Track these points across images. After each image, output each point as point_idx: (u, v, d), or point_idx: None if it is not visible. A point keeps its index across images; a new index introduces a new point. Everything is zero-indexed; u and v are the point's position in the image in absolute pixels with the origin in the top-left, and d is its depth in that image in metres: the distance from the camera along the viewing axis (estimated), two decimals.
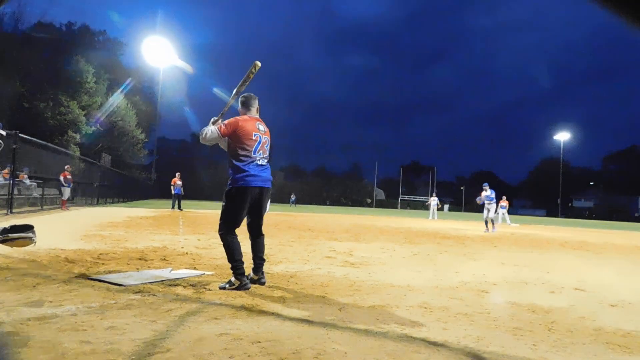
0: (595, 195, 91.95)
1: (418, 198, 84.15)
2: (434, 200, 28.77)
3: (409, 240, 10.36)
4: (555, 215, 72.31)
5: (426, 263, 6.51)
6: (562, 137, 78.23)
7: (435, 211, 28.77)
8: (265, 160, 4.29)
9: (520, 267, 6.51)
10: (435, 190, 34.67)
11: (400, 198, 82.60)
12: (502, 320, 3.36)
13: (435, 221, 24.87)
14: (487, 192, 15.77)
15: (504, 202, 23.18)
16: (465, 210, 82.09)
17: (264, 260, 4.40)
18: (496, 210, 16.14)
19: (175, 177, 21.05)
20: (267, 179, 4.30)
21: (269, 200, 4.55)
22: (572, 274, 6.16)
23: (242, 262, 4.14)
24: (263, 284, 4.30)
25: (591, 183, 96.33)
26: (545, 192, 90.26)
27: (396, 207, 79.51)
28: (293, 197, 52.28)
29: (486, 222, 15.79)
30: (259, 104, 4.47)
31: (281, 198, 65.96)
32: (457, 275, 5.49)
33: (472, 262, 6.91)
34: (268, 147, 4.35)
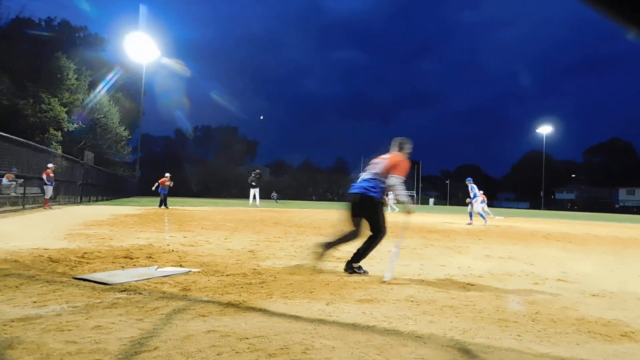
0: (577, 188, 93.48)
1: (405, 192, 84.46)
2: (390, 194, 28.87)
3: (395, 235, 10.41)
4: (538, 208, 73.34)
5: (412, 257, 6.56)
6: (544, 130, 79.25)
7: (393, 205, 28.95)
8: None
9: (505, 260, 6.60)
10: (421, 184, 34.86)
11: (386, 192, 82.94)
12: (487, 312, 3.41)
13: (398, 214, 25.00)
14: (475, 190, 15.94)
15: (482, 197, 23.69)
16: (451, 204, 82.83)
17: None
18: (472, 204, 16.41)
19: (164, 177, 20.71)
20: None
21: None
22: (555, 265, 6.26)
23: None
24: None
25: (573, 175, 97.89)
26: (528, 185, 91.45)
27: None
28: (274, 195, 52.05)
29: (474, 215, 16.11)
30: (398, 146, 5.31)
31: (267, 194, 65.87)
32: (443, 269, 5.55)
33: (458, 255, 6.98)
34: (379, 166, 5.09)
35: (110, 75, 38.40)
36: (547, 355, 2.48)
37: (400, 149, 5.24)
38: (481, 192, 22.50)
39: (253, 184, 23.80)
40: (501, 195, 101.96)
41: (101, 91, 37.83)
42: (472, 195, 15.92)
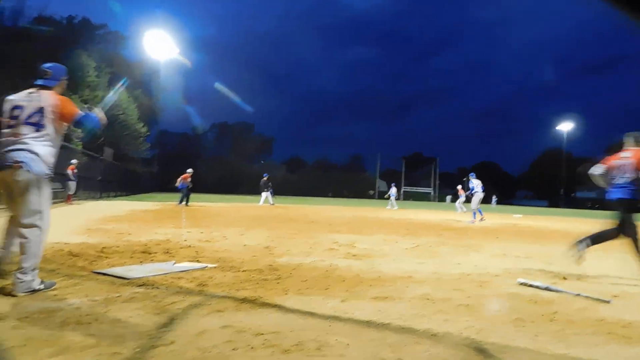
0: (599, 186, 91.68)
1: (421, 189, 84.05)
2: (393, 189, 28.80)
3: (411, 232, 10.37)
4: (558, 206, 72.21)
5: (428, 255, 6.52)
6: (565, 127, 77.87)
7: (394, 201, 28.78)
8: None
9: (522, 259, 6.53)
10: (438, 181, 34.81)
11: (402, 190, 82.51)
12: (503, 312, 3.38)
13: (435, 212, 24.85)
14: (475, 184, 15.87)
15: (461, 192, 24.36)
16: (468, 202, 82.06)
17: None
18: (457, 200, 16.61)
19: (186, 173, 20.47)
20: None
21: None
22: (574, 265, 6.16)
23: None
24: None
25: None
26: (547, 183, 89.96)
27: (398, 199, 79.52)
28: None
29: (476, 212, 16.10)
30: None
31: (283, 191, 66.08)
32: (459, 267, 5.51)
33: (473, 253, 6.92)
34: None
35: (126, 76, 38.60)
36: (564, 357, 2.45)
37: (637, 142, 5.43)
38: (459, 186, 22.76)
39: (265, 189, 24.37)
40: (519, 193, 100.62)
41: (112, 95, 38.19)
42: (470, 189, 16.02)
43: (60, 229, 7.82)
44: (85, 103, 33.35)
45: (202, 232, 8.28)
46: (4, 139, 3.50)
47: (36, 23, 36.15)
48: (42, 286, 3.41)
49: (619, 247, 5.47)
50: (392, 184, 30.08)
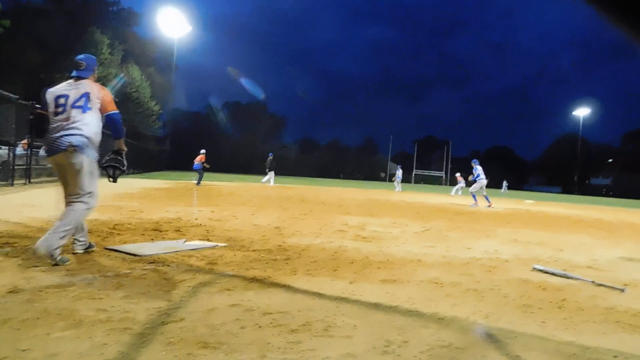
0: (614, 173, 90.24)
1: (433, 173, 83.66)
2: (399, 171, 28.64)
3: (421, 216, 10.35)
4: (571, 193, 71.45)
5: (438, 239, 6.51)
6: (582, 112, 76.59)
7: (399, 183, 28.62)
8: None
9: (532, 245, 6.49)
10: (450, 165, 34.57)
11: (414, 173, 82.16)
12: (512, 298, 3.37)
13: (449, 195, 24.76)
14: (480, 171, 15.95)
15: (460, 178, 24.60)
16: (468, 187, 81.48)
17: None
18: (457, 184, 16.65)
19: (201, 154, 20.50)
20: None
21: None
22: (585, 252, 6.12)
23: None
24: None
25: (610, 160, 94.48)
26: (561, 169, 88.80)
27: (410, 182, 79.20)
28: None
29: (486, 197, 16.20)
30: None
31: (294, 172, 66.15)
32: (469, 252, 5.50)
33: (484, 238, 6.89)
34: None
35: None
36: (571, 344, 2.44)
37: None
38: (458, 173, 22.80)
39: (269, 169, 24.27)
40: (532, 178, 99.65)
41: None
42: (475, 175, 16.04)
43: None
44: (99, 80, 33.56)
45: (213, 211, 8.35)
46: (56, 124, 3.76)
47: (50, 0, 36.17)
48: (59, 258, 3.52)
49: (630, 236, 5.43)
50: (398, 166, 29.94)
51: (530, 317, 2.90)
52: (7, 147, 12.51)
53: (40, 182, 13.92)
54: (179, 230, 5.69)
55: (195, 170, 20.41)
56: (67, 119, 3.75)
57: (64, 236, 3.58)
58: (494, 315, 2.89)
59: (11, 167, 12.23)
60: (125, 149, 4.33)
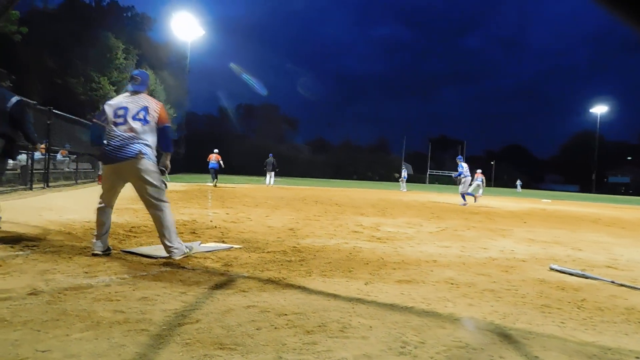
0: (633, 171, 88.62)
1: (447, 173, 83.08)
2: (404, 171, 28.44)
3: (436, 216, 10.29)
4: (589, 191, 70.37)
5: (453, 239, 6.46)
6: (599, 109, 75.39)
7: (405, 183, 28.39)
8: None
9: (550, 244, 6.40)
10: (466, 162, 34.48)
11: (428, 173, 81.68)
12: (529, 298, 3.33)
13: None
14: (465, 168, 15.57)
15: (480, 175, 24.35)
16: (495, 186, 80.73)
17: None
18: (470, 183, 16.35)
19: (213, 153, 20.98)
20: None
21: None
22: (604, 251, 6.02)
23: None
24: None
25: (628, 158, 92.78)
26: (578, 167, 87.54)
27: (424, 182, 78.79)
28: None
29: (462, 196, 15.68)
30: None
31: (307, 173, 66.17)
32: (485, 252, 5.44)
33: (500, 238, 6.82)
34: None
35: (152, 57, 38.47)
36: (591, 344, 2.40)
37: None
38: (479, 170, 22.60)
39: (270, 169, 24.21)
40: (548, 177, 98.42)
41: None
42: (457, 173, 15.64)
43: (90, 208, 8.02)
44: (114, 85, 33.97)
45: (227, 213, 8.39)
46: (118, 134, 4.02)
47: (66, 5, 36.73)
48: (189, 250, 4.26)
49: None
50: (404, 166, 29.78)
51: (549, 317, 2.86)
52: (25, 152, 12.71)
53: (58, 186, 14.14)
54: (194, 232, 5.73)
55: (213, 169, 20.66)
56: (131, 129, 4.02)
57: (173, 235, 4.07)
58: (511, 315, 2.85)
59: (30, 172, 12.42)
60: (169, 166, 4.48)
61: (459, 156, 16.32)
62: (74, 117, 16.39)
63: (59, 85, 31.81)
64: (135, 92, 4.23)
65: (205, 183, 21.42)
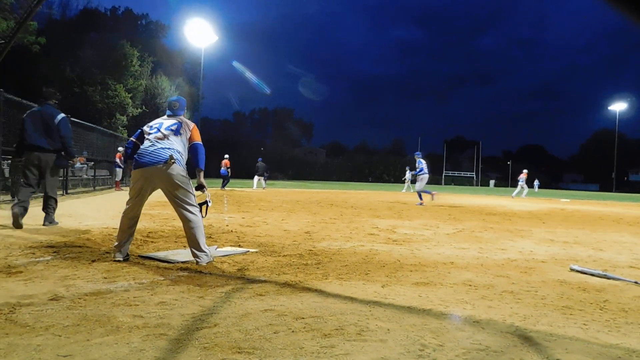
0: None
1: (463, 174, 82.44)
2: (408, 173, 28.13)
3: (453, 217, 10.19)
4: (610, 190, 69.05)
5: (471, 240, 6.39)
6: (618, 107, 73.96)
7: (409, 184, 28.09)
8: None
9: (570, 245, 6.30)
10: (481, 165, 34.14)
11: (444, 174, 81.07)
12: (550, 299, 3.27)
13: (511, 197, 24.30)
14: (424, 165, 14.80)
15: (524, 175, 24.23)
16: (512, 186, 79.78)
17: None
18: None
19: (225, 159, 21.49)
20: None
21: None
22: (627, 251, 5.90)
23: None
24: None
25: None
26: (598, 166, 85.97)
27: (440, 184, 78.19)
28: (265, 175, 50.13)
29: (419, 194, 14.89)
30: None
31: (323, 176, 66.22)
32: (503, 253, 5.37)
33: (519, 239, 6.73)
34: None
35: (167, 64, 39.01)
36: (616, 347, 2.35)
37: None
38: (525, 170, 22.24)
39: (260, 173, 24.30)
40: (567, 176, 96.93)
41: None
42: (417, 170, 14.82)
43: (109, 214, 8.14)
44: (129, 92, 34.46)
45: (243, 217, 8.42)
46: (150, 142, 4.21)
47: (82, 15, 37.42)
48: (214, 252, 4.45)
49: None
50: (408, 167, 29.34)
51: (571, 318, 2.80)
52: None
53: (77, 193, 14.36)
54: (210, 237, 5.76)
55: (223, 176, 21.03)
56: (163, 137, 4.21)
57: (202, 240, 4.12)
58: (531, 317, 2.80)
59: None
60: (206, 185, 4.51)
61: (417, 152, 15.62)
62: (91, 124, 16.65)
63: (77, 93, 32.35)
64: (173, 116, 4.45)
65: (223, 188, 21.58)
